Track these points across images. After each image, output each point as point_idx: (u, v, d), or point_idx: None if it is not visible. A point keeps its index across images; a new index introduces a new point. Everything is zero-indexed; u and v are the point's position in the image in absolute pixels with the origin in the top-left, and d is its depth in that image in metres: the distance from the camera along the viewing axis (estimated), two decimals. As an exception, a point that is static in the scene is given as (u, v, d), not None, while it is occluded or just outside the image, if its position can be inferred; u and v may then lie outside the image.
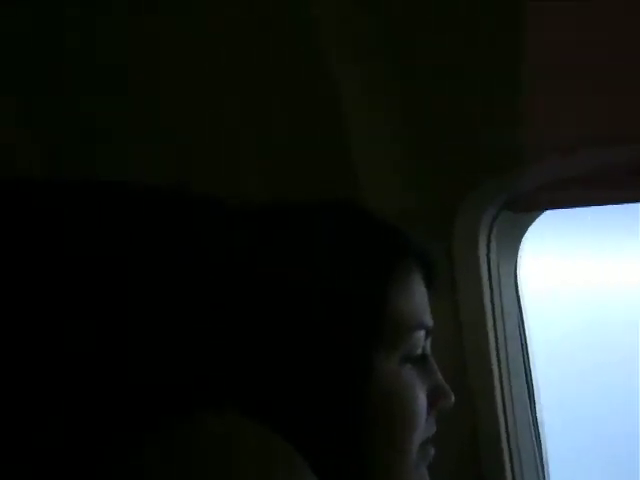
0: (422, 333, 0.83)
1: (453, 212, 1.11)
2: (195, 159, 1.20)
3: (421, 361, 0.84)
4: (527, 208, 1.15)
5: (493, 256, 1.15)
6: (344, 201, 0.89)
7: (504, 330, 1.16)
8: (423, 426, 0.82)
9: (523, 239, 1.21)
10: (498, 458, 1.18)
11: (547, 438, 1.29)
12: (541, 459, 1.27)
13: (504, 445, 1.18)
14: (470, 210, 1.11)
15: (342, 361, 0.78)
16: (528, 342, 1.24)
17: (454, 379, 1.15)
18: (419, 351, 0.83)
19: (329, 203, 0.88)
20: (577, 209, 1.15)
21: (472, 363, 1.16)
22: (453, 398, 0.85)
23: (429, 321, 0.86)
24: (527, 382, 1.23)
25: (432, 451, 0.85)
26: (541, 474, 1.27)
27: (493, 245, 1.15)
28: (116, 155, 1.15)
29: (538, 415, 1.27)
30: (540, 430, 1.28)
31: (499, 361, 1.16)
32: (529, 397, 1.25)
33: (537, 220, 1.19)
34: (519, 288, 1.22)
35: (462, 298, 1.14)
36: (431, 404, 0.83)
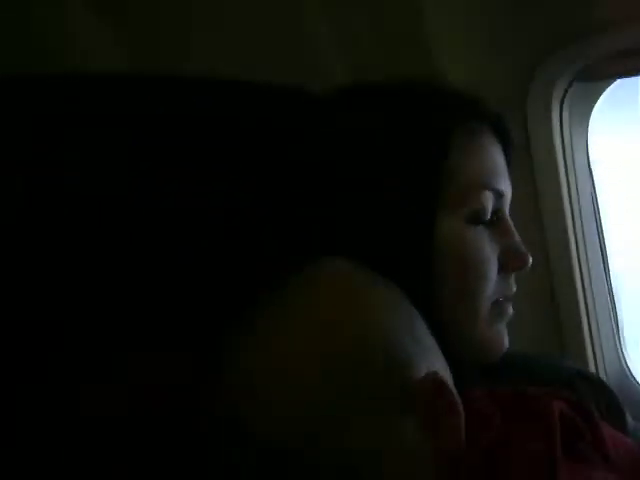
0: (490, 195, 0.88)
1: (527, 81, 1.16)
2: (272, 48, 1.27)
3: (494, 224, 0.90)
4: (599, 77, 1.18)
5: (566, 125, 1.20)
6: (411, 79, 0.95)
7: (577, 196, 1.23)
8: (492, 283, 0.88)
9: (595, 108, 1.25)
10: (576, 324, 1.27)
11: (622, 304, 1.36)
12: (617, 323, 1.35)
13: (582, 309, 1.26)
14: (543, 79, 1.17)
15: (405, 214, 0.86)
16: (600, 209, 1.29)
17: (532, 244, 1.24)
18: (488, 214, 0.88)
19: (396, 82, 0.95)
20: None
21: (549, 227, 1.23)
22: (529, 259, 0.90)
23: (500, 184, 0.90)
24: (601, 249, 1.30)
25: (510, 310, 0.93)
26: (617, 337, 1.34)
27: (566, 114, 1.20)
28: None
29: (613, 282, 1.34)
30: (615, 296, 1.35)
31: (574, 225, 1.22)
32: (604, 263, 1.32)
33: (609, 89, 1.23)
34: (590, 156, 1.27)
35: (537, 166, 1.20)
36: (505, 264, 0.89)
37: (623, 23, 1.07)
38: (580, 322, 1.27)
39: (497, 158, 0.92)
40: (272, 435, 0.70)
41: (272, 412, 0.70)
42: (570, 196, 1.22)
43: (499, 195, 0.90)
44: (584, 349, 1.28)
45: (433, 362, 0.77)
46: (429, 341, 0.78)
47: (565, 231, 1.23)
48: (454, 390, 0.75)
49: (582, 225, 1.24)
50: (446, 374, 0.77)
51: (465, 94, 0.94)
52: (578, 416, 0.83)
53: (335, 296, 0.76)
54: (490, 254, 0.88)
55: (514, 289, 0.92)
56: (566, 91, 1.20)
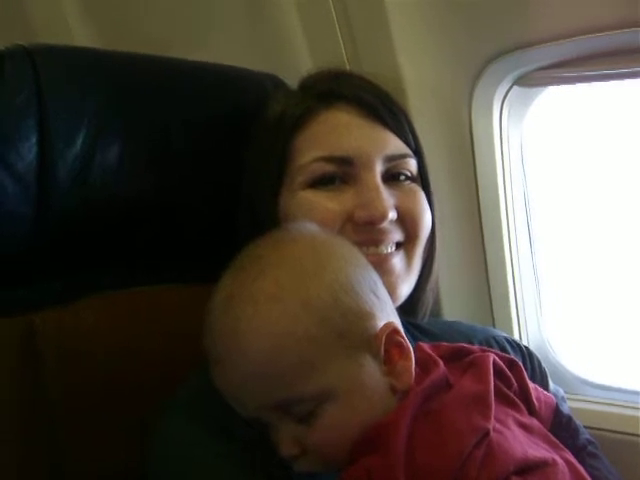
0: (323, 164, 1.04)
1: (474, 83, 1.33)
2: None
3: (347, 184, 1.04)
4: (535, 84, 1.35)
5: (505, 123, 1.37)
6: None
7: (511, 184, 1.40)
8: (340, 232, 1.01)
9: (530, 111, 1.42)
10: (505, 299, 1.44)
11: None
12: (540, 299, 1.52)
13: (510, 287, 1.44)
14: (487, 82, 1.34)
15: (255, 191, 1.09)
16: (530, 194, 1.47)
17: (470, 221, 1.41)
18: (323, 180, 1.04)
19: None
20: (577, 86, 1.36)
21: (485, 205, 1.40)
22: (377, 213, 1.02)
23: (344, 152, 1.04)
24: (529, 234, 1.47)
25: (383, 250, 1.04)
26: (539, 311, 1.51)
27: (505, 114, 1.37)
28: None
29: (538, 263, 1.51)
30: (539, 276, 1.51)
31: (507, 210, 1.40)
32: (531, 247, 1.49)
33: (543, 95, 1.40)
34: (524, 151, 1.44)
35: (478, 158, 1.38)
36: (352, 216, 1.02)
37: (556, 38, 1.23)
38: (508, 297, 1.45)
39: (345, 131, 1.06)
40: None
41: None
42: (505, 184, 1.39)
43: (342, 161, 1.04)
44: (511, 321, 1.45)
45: (389, 314, 0.92)
46: (385, 296, 0.94)
47: (498, 211, 1.40)
48: (407, 339, 0.91)
49: (514, 211, 1.41)
50: (399, 325, 0.92)
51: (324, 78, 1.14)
52: (507, 368, 0.99)
53: (307, 251, 0.90)
54: (334, 208, 1.03)
55: (385, 236, 1.04)
56: (506, 94, 1.37)
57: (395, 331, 0.89)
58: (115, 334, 1.09)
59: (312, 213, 1.02)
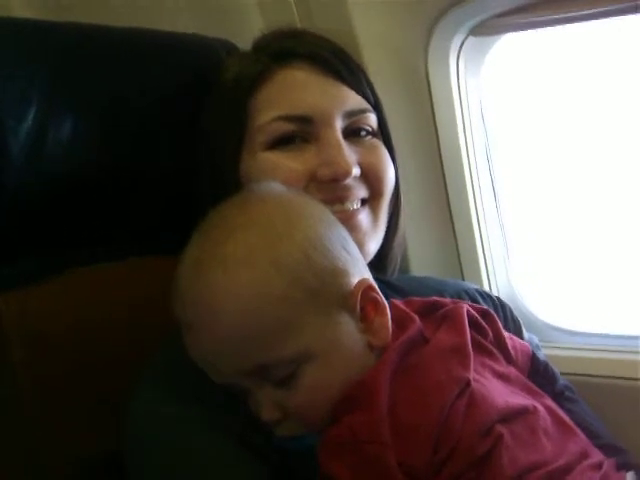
0: (283, 123, 1.01)
1: (429, 35, 1.32)
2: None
3: (308, 142, 1.02)
4: (490, 32, 1.33)
5: (462, 73, 1.36)
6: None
7: (471, 131, 1.39)
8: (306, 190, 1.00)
9: (487, 61, 1.41)
10: (473, 250, 1.44)
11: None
12: (507, 250, 1.52)
13: (477, 238, 1.44)
14: (442, 33, 1.33)
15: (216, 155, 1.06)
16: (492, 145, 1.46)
17: (432, 175, 1.40)
18: (283, 139, 1.01)
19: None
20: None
21: (447, 158, 1.39)
22: (338, 170, 1.00)
23: (303, 111, 1.02)
24: (492, 182, 1.47)
25: (349, 207, 1.02)
26: (507, 262, 1.51)
27: (462, 64, 1.36)
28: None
29: (503, 213, 1.50)
30: (505, 226, 1.52)
31: (468, 158, 1.39)
32: (495, 197, 1.48)
33: (499, 43, 1.39)
34: (482, 99, 1.43)
35: (436, 107, 1.36)
36: (315, 174, 1.00)
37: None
38: (476, 250, 1.44)
39: (302, 89, 1.04)
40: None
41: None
42: (465, 136, 1.38)
43: (302, 120, 1.02)
44: (480, 273, 1.44)
45: (362, 271, 0.91)
46: (356, 252, 0.92)
47: (461, 164, 1.39)
48: (381, 295, 0.90)
49: (476, 162, 1.40)
50: (373, 282, 0.91)
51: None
52: (481, 319, 0.99)
53: (276, 210, 0.88)
54: (296, 168, 1.01)
55: (350, 193, 1.02)
56: (462, 44, 1.35)
57: (370, 287, 0.88)
58: (80, 313, 1.06)
59: (275, 174, 1.00)
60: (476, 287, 1.26)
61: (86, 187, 1.07)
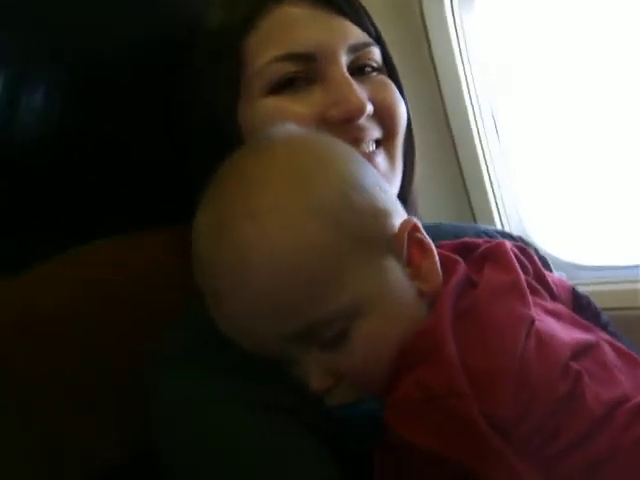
0: (283, 64, 0.90)
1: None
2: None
3: (313, 83, 0.92)
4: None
5: (456, 8, 1.27)
6: None
7: (470, 67, 1.31)
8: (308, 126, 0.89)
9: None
10: (483, 192, 1.36)
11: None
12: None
13: (486, 179, 1.36)
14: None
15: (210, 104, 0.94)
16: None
17: (435, 118, 1.32)
18: (283, 82, 0.91)
19: None
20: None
21: (449, 96, 1.30)
22: (351, 107, 0.90)
23: (304, 48, 0.91)
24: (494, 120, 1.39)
25: (366, 149, 0.92)
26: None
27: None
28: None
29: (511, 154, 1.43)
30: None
31: (469, 92, 1.31)
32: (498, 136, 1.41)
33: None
34: (478, 35, 1.35)
35: (433, 43, 1.27)
36: (326, 116, 0.90)
37: None
38: (486, 192, 1.37)
39: (302, 25, 0.94)
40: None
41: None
42: (465, 71, 1.30)
43: (304, 58, 0.92)
44: (492, 215, 1.37)
45: (401, 211, 0.82)
46: (391, 192, 0.84)
47: (464, 105, 1.31)
48: (427, 236, 0.81)
49: (478, 100, 1.32)
50: (418, 221, 0.81)
51: None
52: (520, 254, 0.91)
53: (303, 152, 0.78)
54: (303, 112, 0.90)
55: (364, 133, 0.93)
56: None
57: (415, 228, 0.79)
58: (77, 294, 0.96)
59: (279, 121, 0.89)
60: (495, 228, 1.19)
61: (66, 156, 0.96)
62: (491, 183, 1.36)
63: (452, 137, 1.33)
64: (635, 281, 1.32)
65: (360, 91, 0.92)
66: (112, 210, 1.02)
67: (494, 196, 1.37)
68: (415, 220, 0.80)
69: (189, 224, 0.80)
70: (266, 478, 0.74)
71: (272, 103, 0.92)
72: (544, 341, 0.75)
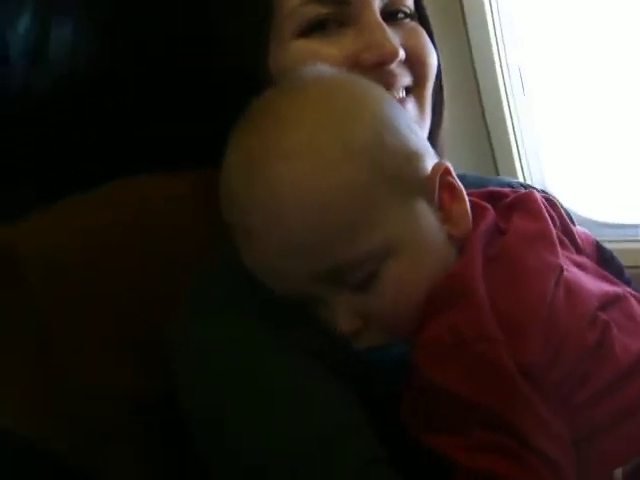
0: (314, 6, 0.88)
1: None
2: None
3: (346, 26, 0.89)
4: None
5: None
6: None
7: (500, 22, 1.29)
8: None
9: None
10: (507, 146, 1.34)
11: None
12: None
13: (510, 133, 1.34)
14: None
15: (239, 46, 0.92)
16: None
17: (463, 71, 1.30)
18: (315, 24, 0.88)
19: None
20: None
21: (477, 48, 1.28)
22: (384, 51, 0.87)
23: None
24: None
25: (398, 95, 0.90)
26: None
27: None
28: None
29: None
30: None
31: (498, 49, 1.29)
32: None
33: None
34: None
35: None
36: (358, 60, 0.87)
37: None
38: (510, 144, 1.35)
39: None
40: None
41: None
42: (494, 24, 1.28)
43: (338, 1, 0.89)
44: (515, 171, 1.36)
45: (432, 155, 0.81)
46: (423, 135, 0.83)
47: (490, 52, 1.28)
48: (457, 180, 0.80)
49: (507, 57, 1.30)
50: (450, 165, 0.80)
51: None
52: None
53: (336, 91, 0.78)
54: (335, 54, 0.88)
55: (395, 79, 0.90)
56: None
57: (447, 171, 0.78)
58: (96, 235, 0.95)
59: (311, 64, 0.87)
60: (518, 181, 1.18)
61: (94, 90, 0.95)
62: (515, 137, 1.35)
63: (478, 90, 1.31)
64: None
65: (393, 36, 0.91)
66: (136, 153, 1.01)
67: (517, 150, 1.36)
68: (447, 164, 0.79)
69: (212, 167, 0.80)
70: (290, 418, 0.73)
71: (303, 45, 0.90)
72: (573, 290, 0.75)
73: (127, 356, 0.93)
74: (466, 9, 1.27)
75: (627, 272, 1.02)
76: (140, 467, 0.92)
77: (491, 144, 1.35)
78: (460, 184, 0.80)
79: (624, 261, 1.25)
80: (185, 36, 1.02)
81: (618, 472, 0.70)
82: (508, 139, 1.35)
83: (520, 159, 1.36)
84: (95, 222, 0.95)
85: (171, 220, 0.98)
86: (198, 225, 0.97)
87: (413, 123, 0.82)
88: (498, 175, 1.36)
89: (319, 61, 0.87)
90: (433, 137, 1.00)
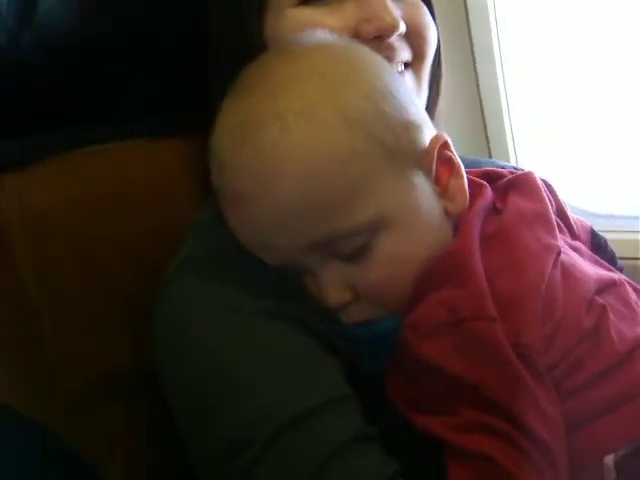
0: None
1: None
2: None
3: None
4: None
5: None
6: None
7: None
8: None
9: None
10: (501, 128, 1.32)
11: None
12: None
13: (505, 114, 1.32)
14: None
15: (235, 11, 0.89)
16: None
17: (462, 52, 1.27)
18: None
19: None
20: None
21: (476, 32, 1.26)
22: (384, 23, 0.85)
23: None
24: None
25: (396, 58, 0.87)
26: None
27: None
28: None
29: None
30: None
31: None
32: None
33: None
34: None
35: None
36: (359, 31, 0.84)
37: None
38: (504, 126, 1.34)
39: None
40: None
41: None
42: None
43: None
44: (508, 156, 1.35)
45: (431, 127, 0.79)
46: (421, 107, 0.80)
47: (490, 38, 1.26)
48: (456, 154, 0.78)
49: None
50: (449, 138, 0.78)
51: None
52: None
53: (333, 58, 0.75)
54: (335, 24, 0.85)
55: (394, 53, 0.88)
56: None
57: (445, 144, 0.76)
58: (87, 198, 0.91)
59: (314, 28, 0.84)
60: (513, 165, 1.16)
61: (87, 54, 0.92)
62: (511, 126, 1.33)
63: (475, 71, 1.29)
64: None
65: (394, 9, 0.88)
66: (128, 118, 0.98)
67: (512, 138, 1.34)
68: (446, 137, 0.77)
69: (206, 132, 0.77)
70: (273, 389, 0.71)
71: (302, 14, 0.87)
72: (570, 273, 0.73)
73: (123, 334, 0.90)
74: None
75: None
76: (134, 444, 0.90)
77: (486, 132, 1.33)
78: (458, 159, 0.77)
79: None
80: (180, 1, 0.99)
81: (609, 459, 0.69)
82: (504, 129, 1.33)
83: (515, 149, 1.34)
84: (77, 185, 0.92)
85: (161, 185, 0.95)
86: (186, 190, 0.94)
87: (413, 94, 0.79)
88: (491, 154, 1.35)
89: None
90: (430, 113, 0.98)
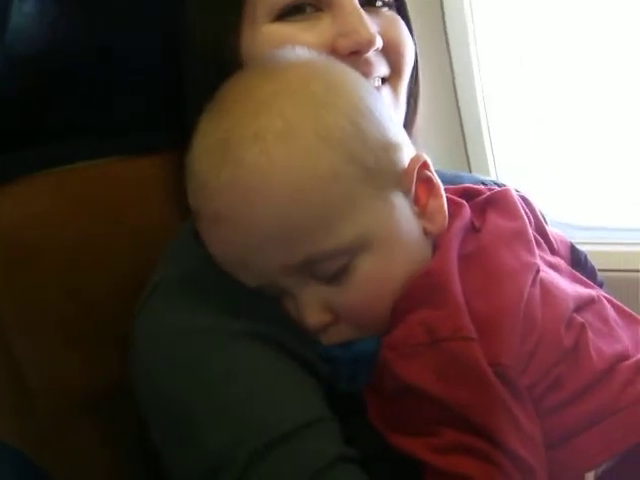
0: None
1: None
2: None
3: (323, 11, 0.86)
4: None
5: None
6: None
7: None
8: None
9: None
10: (480, 142, 1.33)
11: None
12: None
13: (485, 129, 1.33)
14: None
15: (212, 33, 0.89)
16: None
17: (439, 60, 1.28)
18: (290, 8, 0.85)
19: None
20: None
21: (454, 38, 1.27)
22: (361, 39, 0.84)
23: None
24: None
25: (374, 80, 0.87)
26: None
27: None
28: None
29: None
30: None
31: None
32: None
33: None
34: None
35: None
36: (336, 47, 0.84)
37: None
38: (483, 140, 1.34)
39: None
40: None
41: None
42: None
43: None
44: (488, 169, 1.35)
45: (410, 146, 0.78)
46: (400, 125, 0.80)
47: (467, 46, 1.27)
48: (435, 174, 0.78)
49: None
50: (428, 158, 0.78)
51: None
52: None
53: (311, 76, 0.75)
54: (311, 40, 0.85)
55: (371, 68, 0.87)
56: None
57: (425, 165, 0.76)
58: (64, 218, 0.91)
59: (290, 44, 0.84)
60: (494, 180, 1.16)
61: (60, 67, 0.92)
62: (490, 137, 1.34)
63: (454, 85, 1.29)
64: (626, 243, 1.31)
65: (370, 23, 0.88)
66: (104, 129, 0.97)
67: (492, 148, 1.35)
68: (425, 157, 0.77)
69: (182, 149, 0.77)
70: (252, 412, 0.70)
71: (278, 30, 0.87)
72: (549, 291, 0.73)
73: (83, 347, 0.90)
74: (445, 8, 1.25)
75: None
76: (96, 459, 0.89)
77: (465, 145, 1.34)
78: (438, 179, 0.77)
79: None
80: (154, 16, 0.98)
81: (590, 475, 0.69)
82: (483, 144, 1.34)
83: (495, 163, 1.35)
84: (54, 204, 0.91)
85: (140, 203, 0.95)
86: (165, 209, 0.94)
87: (391, 110, 0.79)
88: (471, 169, 1.35)
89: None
90: (407, 129, 0.98)
